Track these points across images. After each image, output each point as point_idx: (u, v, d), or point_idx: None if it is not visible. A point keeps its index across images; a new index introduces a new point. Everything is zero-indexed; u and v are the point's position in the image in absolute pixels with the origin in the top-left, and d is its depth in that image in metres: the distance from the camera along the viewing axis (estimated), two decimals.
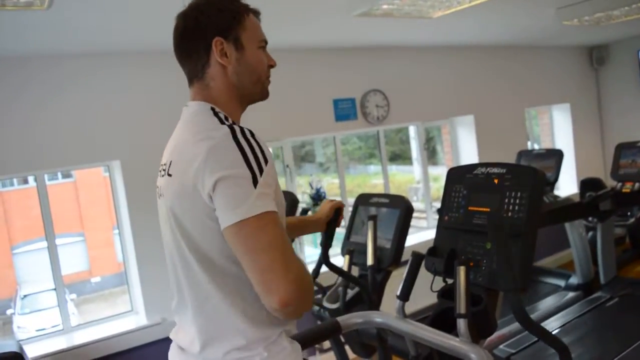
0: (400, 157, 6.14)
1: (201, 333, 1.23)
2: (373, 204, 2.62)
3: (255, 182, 1.11)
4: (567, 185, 5.97)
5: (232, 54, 1.28)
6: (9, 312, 9.94)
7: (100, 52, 3.26)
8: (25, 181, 11.29)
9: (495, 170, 1.67)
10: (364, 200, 2.69)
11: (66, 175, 11.55)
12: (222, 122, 1.20)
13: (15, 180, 11.28)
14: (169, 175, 1.24)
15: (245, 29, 1.30)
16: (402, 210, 2.45)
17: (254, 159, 1.12)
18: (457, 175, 1.80)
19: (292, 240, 1.91)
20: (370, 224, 2.35)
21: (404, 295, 1.65)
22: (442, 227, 1.80)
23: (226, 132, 1.15)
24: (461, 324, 1.45)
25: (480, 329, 1.51)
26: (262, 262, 1.09)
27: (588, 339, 3.54)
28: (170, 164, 1.25)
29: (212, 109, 1.26)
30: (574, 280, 4.60)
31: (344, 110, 4.28)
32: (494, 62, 5.30)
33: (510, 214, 1.57)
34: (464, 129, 5.18)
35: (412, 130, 5.18)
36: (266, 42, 1.36)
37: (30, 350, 2.95)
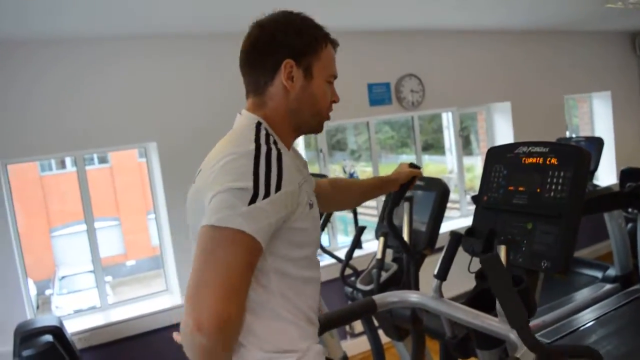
0: (433, 146, 6.08)
1: None
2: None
3: (253, 200, 1.05)
4: (606, 175, 5.82)
5: (298, 79, 1.24)
6: (47, 292, 10.27)
7: (139, 34, 3.30)
8: (64, 166, 11.61)
9: (538, 149, 1.63)
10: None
11: (102, 161, 11.80)
12: (256, 139, 1.15)
13: (53, 165, 11.59)
14: (194, 181, 1.24)
15: (319, 59, 1.27)
16: (438, 193, 2.42)
17: (265, 180, 1.07)
18: (498, 155, 1.77)
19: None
20: (406, 205, 2.34)
21: (442, 275, 1.63)
22: (480, 208, 1.77)
23: (250, 149, 1.11)
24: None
25: None
26: (201, 277, 1.03)
27: (624, 332, 3.45)
28: (199, 172, 1.24)
29: (259, 123, 1.22)
30: (611, 272, 4.48)
31: (379, 95, 4.24)
32: (533, 48, 5.17)
33: (552, 194, 1.54)
34: (500, 116, 5.09)
35: (445, 119, 5.10)
36: (335, 77, 1.33)
37: (69, 326, 3.03)
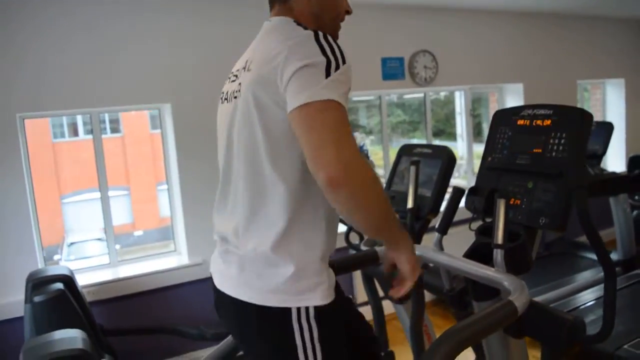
0: (444, 132, 6.09)
1: (247, 220, 1.30)
2: (416, 154, 2.63)
3: (328, 70, 1.14)
4: (614, 162, 5.82)
5: None
6: (55, 257, 10.41)
7: None
8: (76, 134, 11.71)
9: (542, 111, 1.67)
10: (407, 150, 2.71)
11: (115, 131, 11.89)
12: (305, 29, 1.25)
13: (66, 132, 11.70)
14: (249, 70, 1.28)
15: None
16: (444, 160, 2.46)
17: (332, 53, 1.16)
18: (503, 118, 1.81)
19: None
20: (412, 169, 2.37)
21: (443, 229, 1.69)
22: (484, 168, 1.81)
23: (309, 33, 1.20)
24: (498, 254, 1.48)
25: (516, 265, 1.54)
26: (315, 141, 1.12)
27: (625, 313, 3.50)
28: (250, 62, 1.30)
29: (295, 21, 1.31)
30: (614, 256, 4.53)
31: (392, 69, 4.27)
32: (547, 30, 5.16)
33: (554, 154, 1.58)
34: (512, 98, 5.09)
35: (457, 105, 5.11)
36: None
37: (79, 279, 3.11)
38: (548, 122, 1.63)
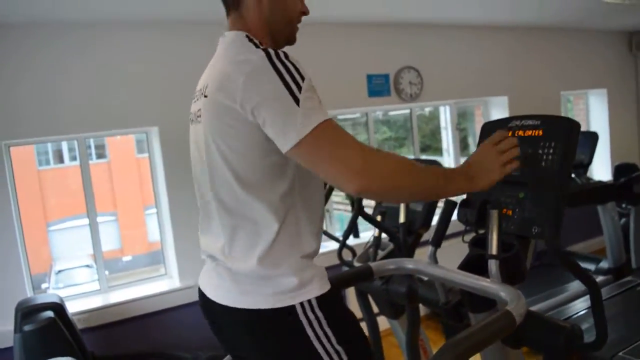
0: (431, 147, 6.12)
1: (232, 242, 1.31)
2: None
3: (294, 96, 1.15)
4: (600, 172, 5.89)
5: None
6: (43, 286, 10.25)
7: (142, 19, 3.34)
8: (61, 160, 11.63)
9: (530, 122, 1.68)
10: None
11: (100, 156, 11.83)
12: (257, 46, 1.24)
13: (51, 159, 11.61)
14: (205, 96, 1.29)
15: None
16: None
17: (291, 78, 1.16)
18: (492, 129, 1.81)
19: None
20: None
21: (437, 242, 1.69)
22: None
23: (262, 55, 1.19)
24: (492, 265, 1.48)
25: (511, 275, 1.54)
26: (327, 170, 1.16)
27: (616, 320, 3.51)
28: (206, 87, 1.30)
29: (247, 35, 1.30)
30: (604, 264, 4.56)
31: (378, 86, 4.30)
32: (530, 43, 5.24)
33: (543, 164, 1.59)
34: (497, 111, 5.15)
35: (442, 120, 5.15)
36: None
37: (68, 307, 3.07)
38: (537, 132, 1.64)
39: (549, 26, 5.25)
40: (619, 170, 4.67)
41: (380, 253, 2.48)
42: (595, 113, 6.01)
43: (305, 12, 1.42)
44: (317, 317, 1.26)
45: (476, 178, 1.34)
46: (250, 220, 1.28)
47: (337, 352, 1.27)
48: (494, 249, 1.48)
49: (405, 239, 2.34)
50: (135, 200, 11.40)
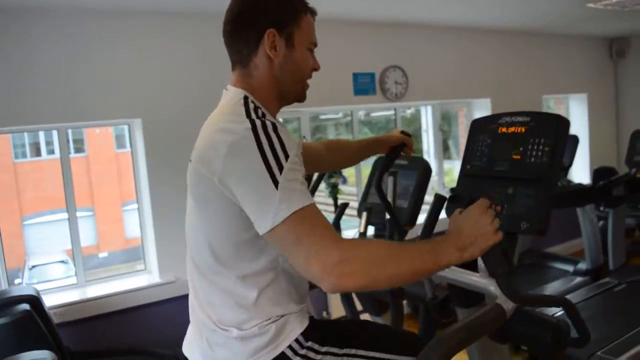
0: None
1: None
2: (393, 166, 2.65)
3: (276, 183, 1.10)
4: (580, 175, 5.97)
5: (281, 48, 1.28)
6: (16, 281, 10.06)
7: (126, 10, 3.29)
8: (38, 153, 11.43)
9: (520, 118, 1.69)
10: (380, 164, 2.72)
11: (79, 150, 11.64)
12: (247, 115, 1.19)
13: (28, 152, 11.40)
14: (190, 160, 1.29)
15: (299, 28, 1.31)
16: (420, 171, 2.48)
17: (273, 156, 1.12)
18: (481, 126, 1.82)
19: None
20: (390, 179, 2.39)
21: (426, 236, 1.68)
22: (463, 176, 1.82)
23: (247, 127, 1.14)
24: (481, 259, 1.48)
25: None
26: (303, 266, 1.11)
27: (593, 321, 3.55)
28: (195, 148, 1.28)
29: (246, 98, 1.25)
30: (582, 265, 4.62)
31: (363, 85, 4.30)
32: (514, 47, 5.30)
33: (533, 159, 1.60)
34: (480, 113, 5.19)
35: (424, 122, 5.17)
36: (316, 45, 1.38)
37: (45, 301, 3.00)
38: (527, 128, 1.65)
39: (532, 30, 5.31)
40: (598, 173, 4.75)
41: None
42: (575, 117, 6.10)
43: (316, 69, 1.39)
44: (310, 350, 1.27)
45: (470, 247, 1.24)
46: (224, 291, 1.27)
47: (347, 355, 1.30)
48: None
49: (392, 236, 2.33)
50: (113, 196, 11.25)
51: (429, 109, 5.04)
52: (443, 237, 1.26)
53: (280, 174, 1.10)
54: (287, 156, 1.12)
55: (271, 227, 1.10)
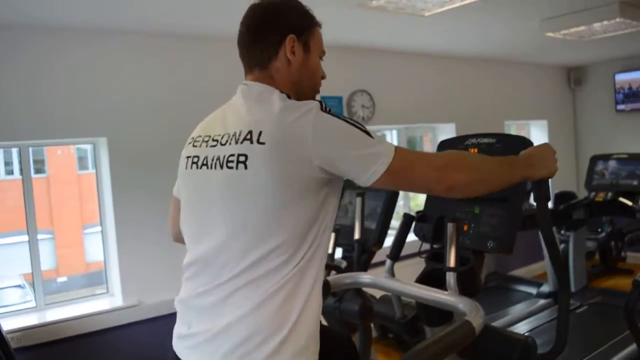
0: None
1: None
2: (358, 187, 2.67)
3: (367, 133, 1.23)
4: None
5: (299, 54, 1.36)
6: None
7: (94, 28, 3.26)
8: None
9: (486, 140, 1.74)
10: (350, 184, 2.74)
11: (39, 171, 11.34)
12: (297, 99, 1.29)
13: None
14: (260, 142, 1.21)
15: (314, 36, 1.41)
16: (387, 193, 2.51)
17: (349, 119, 1.25)
18: (449, 147, 1.86)
19: None
20: (358, 200, 2.40)
21: (394, 255, 1.70)
22: (431, 197, 1.85)
23: (317, 104, 1.23)
24: (450, 277, 1.50)
25: (467, 288, 1.56)
26: (419, 181, 1.28)
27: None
28: (249, 133, 1.23)
29: (281, 92, 1.30)
30: (545, 288, 4.72)
31: (331, 108, 4.33)
32: (477, 74, 5.45)
33: None
34: (445, 137, 5.28)
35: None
36: (325, 54, 1.47)
37: (3, 325, 2.89)
38: (492, 150, 1.69)
39: (496, 58, 5.48)
40: (559, 197, 4.89)
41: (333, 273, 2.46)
42: (536, 142, 6.22)
43: (324, 77, 1.48)
44: None
45: (536, 166, 1.50)
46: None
47: None
48: (452, 261, 1.50)
49: (359, 257, 2.34)
50: (74, 219, 10.95)
51: (394, 133, 5.11)
52: (515, 156, 1.51)
53: (363, 127, 1.24)
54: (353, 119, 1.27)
55: (386, 167, 1.20)
